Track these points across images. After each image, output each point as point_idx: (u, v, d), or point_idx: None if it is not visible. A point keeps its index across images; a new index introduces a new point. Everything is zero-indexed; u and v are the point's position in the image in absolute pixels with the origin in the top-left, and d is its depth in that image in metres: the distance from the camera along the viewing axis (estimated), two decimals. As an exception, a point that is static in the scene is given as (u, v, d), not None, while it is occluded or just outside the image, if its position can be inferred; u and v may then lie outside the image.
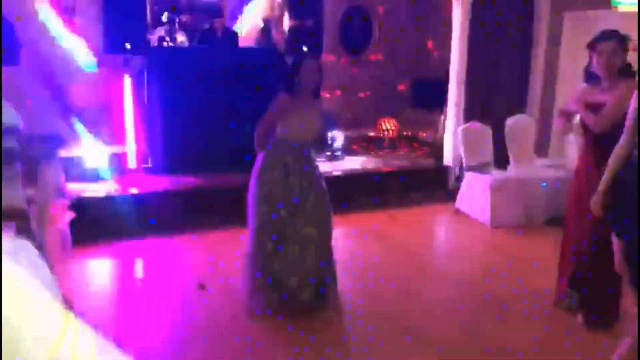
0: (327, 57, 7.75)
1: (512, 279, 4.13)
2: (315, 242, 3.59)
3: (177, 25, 6.25)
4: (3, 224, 2.31)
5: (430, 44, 8.54)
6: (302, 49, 6.04)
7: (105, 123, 6.36)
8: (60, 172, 4.04)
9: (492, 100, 7.48)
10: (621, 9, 6.12)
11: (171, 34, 6.07)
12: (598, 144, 3.15)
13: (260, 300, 3.56)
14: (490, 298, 3.82)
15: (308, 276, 3.54)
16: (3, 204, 2.40)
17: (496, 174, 5.71)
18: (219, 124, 5.82)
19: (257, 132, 3.63)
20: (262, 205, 3.58)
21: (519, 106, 7.13)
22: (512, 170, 5.80)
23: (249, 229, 3.66)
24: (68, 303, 2.91)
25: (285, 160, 3.58)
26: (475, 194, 5.66)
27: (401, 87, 8.65)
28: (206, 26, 6.71)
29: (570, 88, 6.51)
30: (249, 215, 3.67)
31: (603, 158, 2.88)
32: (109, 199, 5.16)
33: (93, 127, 6.17)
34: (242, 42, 7.12)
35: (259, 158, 3.66)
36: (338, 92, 8.20)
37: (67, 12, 6.48)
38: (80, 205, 4.34)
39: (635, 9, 5.72)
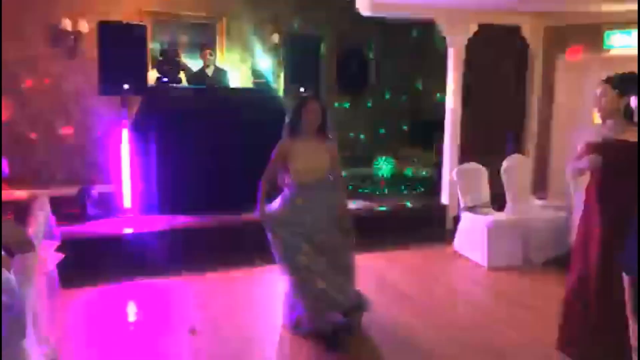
0: (324, 98, 7.80)
1: (512, 326, 4.03)
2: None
3: (175, 64, 6.28)
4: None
5: (427, 84, 8.62)
6: (299, 90, 6.06)
7: (100, 162, 6.37)
8: (50, 213, 4.01)
9: (488, 140, 7.50)
10: (613, 52, 6.19)
11: (169, 73, 6.09)
12: (605, 177, 3.10)
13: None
14: (491, 346, 3.71)
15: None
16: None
17: (493, 214, 5.65)
18: (213, 163, 5.80)
19: (262, 180, 3.65)
20: (288, 247, 3.60)
21: (515, 146, 7.14)
22: (509, 211, 5.75)
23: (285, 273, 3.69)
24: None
25: (297, 202, 3.61)
26: (472, 235, 5.59)
27: (398, 127, 8.69)
28: (199, 65, 6.77)
29: (567, 127, 6.56)
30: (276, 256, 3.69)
31: (610, 192, 2.99)
32: (102, 239, 5.09)
33: (88, 166, 6.16)
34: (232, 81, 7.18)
35: (277, 203, 3.69)
36: (335, 132, 8.20)
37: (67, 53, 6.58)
38: (71, 246, 4.27)
39: (629, 52, 5.79)
